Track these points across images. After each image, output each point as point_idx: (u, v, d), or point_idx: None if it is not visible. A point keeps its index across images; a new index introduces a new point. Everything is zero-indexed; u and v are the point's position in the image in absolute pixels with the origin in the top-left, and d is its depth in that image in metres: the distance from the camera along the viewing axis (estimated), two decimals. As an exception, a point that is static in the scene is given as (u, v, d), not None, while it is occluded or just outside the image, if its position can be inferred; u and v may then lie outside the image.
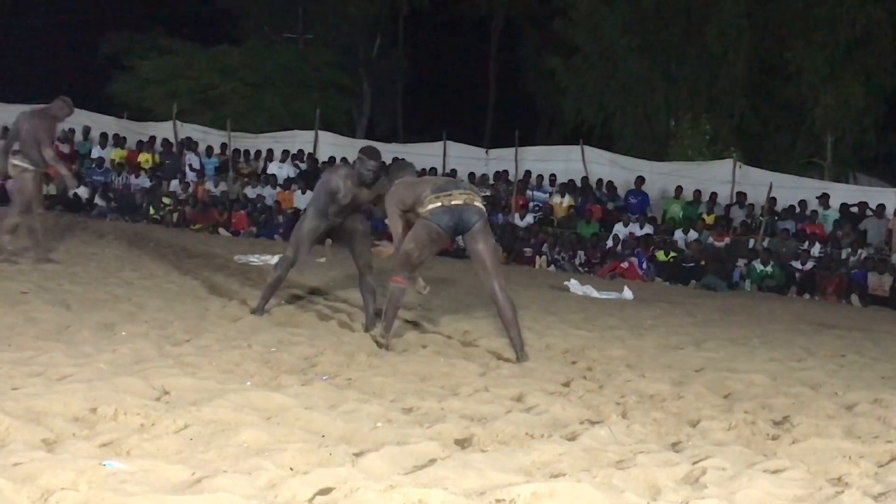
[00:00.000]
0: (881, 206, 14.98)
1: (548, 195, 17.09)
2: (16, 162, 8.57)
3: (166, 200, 16.72)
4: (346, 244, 6.98)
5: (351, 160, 17.99)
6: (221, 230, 16.15)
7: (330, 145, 19.56)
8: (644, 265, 14.32)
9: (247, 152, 19.03)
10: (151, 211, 16.70)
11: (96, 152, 18.78)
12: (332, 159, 18.51)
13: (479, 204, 5.96)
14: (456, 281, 10.57)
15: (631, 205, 16.39)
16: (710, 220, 15.59)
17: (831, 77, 18.52)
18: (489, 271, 5.96)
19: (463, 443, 3.88)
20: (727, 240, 14.98)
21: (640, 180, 16.70)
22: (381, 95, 28.71)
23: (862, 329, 9.71)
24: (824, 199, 15.49)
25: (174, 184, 17.73)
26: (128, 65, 24.04)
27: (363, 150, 6.71)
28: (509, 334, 6.00)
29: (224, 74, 23.15)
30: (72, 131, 19.24)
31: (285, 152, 18.73)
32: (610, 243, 15.15)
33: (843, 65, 18.68)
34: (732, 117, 20.07)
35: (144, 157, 18.71)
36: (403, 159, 7.23)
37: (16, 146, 8.68)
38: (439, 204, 5.84)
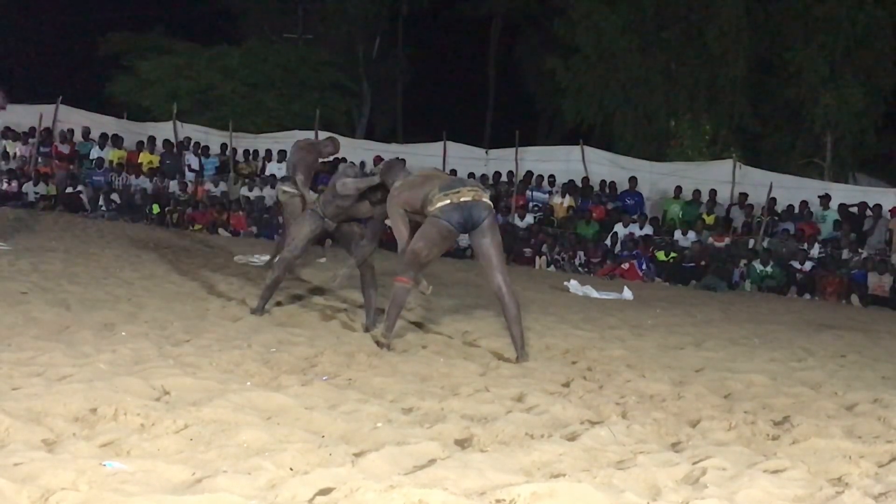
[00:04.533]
0: (881, 207, 14.98)
1: (548, 195, 17.09)
2: (285, 188, 9.44)
3: (155, 209, 16.74)
4: (343, 247, 6.99)
5: (351, 161, 18.09)
6: (221, 230, 16.16)
7: (330, 145, 19.52)
8: (644, 266, 14.32)
9: (246, 152, 19.04)
10: (156, 209, 16.73)
11: (96, 153, 18.79)
12: (336, 160, 18.48)
13: (486, 200, 5.97)
14: (456, 281, 10.56)
15: (628, 206, 16.38)
16: (710, 220, 15.59)
17: (831, 77, 18.51)
18: (494, 267, 5.95)
19: (463, 443, 3.88)
20: (727, 240, 14.97)
21: (634, 181, 16.70)
22: (381, 95, 28.71)
23: (862, 329, 9.70)
24: (825, 199, 15.49)
25: (174, 184, 17.75)
26: (128, 65, 24.05)
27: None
28: (511, 331, 5.99)
29: (224, 74, 23.15)
30: (70, 132, 19.26)
31: (284, 152, 18.72)
32: (609, 243, 15.15)
33: (843, 65, 18.67)
34: (732, 117, 20.04)
35: (147, 158, 18.72)
36: (395, 159, 7.18)
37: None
38: (448, 201, 5.83)
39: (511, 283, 6.05)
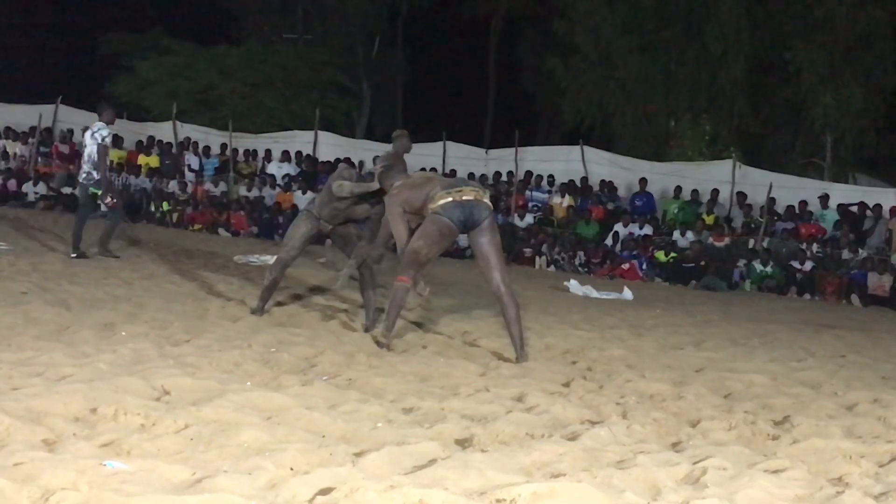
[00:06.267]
0: (880, 207, 14.98)
1: (547, 195, 17.08)
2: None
3: (165, 206, 16.75)
4: (341, 248, 6.99)
5: (351, 161, 18.09)
6: (221, 230, 16.15)
7: (330, 146, 19.55)
8: (644, 266, 14.32)
9: (247, 152, 19.04)
10: (161, 208, 16.73)
11: (96, 152, 18.75)
12: (337, 160, 18.50)
13: (487, 200, 5.99)
14: (456, 281, 10.56)
15: (637, 207, 16.36)
16: (710, 220, 15.58)
17: (831, 77, 18.49)
18: (493, 267, 5.95)
19: (463, 443, 3.87)
20: (727, 240, 14.97)
21: (644, 182, 16.69)
22: (381, 95, 28.69)
23: (862, 329, 9.70)
24: (824, 199, 15.51)
25: (173, 184, 17.74)
26: (128, 65, 24.04)
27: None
28: (510, 331, 5.98)
29: (224, 74, 23.14)
30: (70, 132, 19.25)
31: (285, 152, 18.73)
32: (609, 243, 15.15)
33: (843, 65, 18.66)
34: (732, 117, 20.05)
35: (144, 160, 18.69)
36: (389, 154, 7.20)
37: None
38: (450, 199, 5.85)
39: (510, 283, 6.05)
